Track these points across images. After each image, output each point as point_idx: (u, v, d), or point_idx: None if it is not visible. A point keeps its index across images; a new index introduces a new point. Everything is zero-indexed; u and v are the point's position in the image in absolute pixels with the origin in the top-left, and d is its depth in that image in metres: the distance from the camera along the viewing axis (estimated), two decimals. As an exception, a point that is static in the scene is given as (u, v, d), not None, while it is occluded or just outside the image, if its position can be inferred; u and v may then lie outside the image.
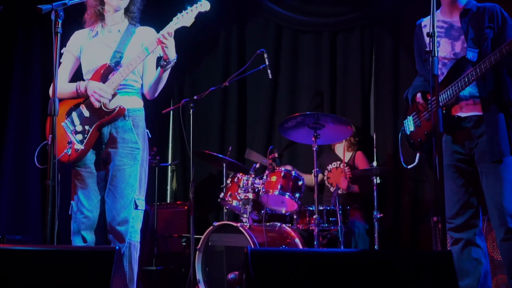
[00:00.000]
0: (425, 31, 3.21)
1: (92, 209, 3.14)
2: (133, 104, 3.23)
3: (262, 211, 4.59)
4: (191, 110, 4.64)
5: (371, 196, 4.71)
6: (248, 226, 4.32)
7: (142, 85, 3.31)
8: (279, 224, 4.57)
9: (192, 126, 4.57)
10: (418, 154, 3.24)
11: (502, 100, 2.96)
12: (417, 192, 5.25)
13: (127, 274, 3.04)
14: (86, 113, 3.15)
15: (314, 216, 4.32)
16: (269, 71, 4.82)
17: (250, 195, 4.56)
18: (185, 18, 3.17)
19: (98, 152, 3.18)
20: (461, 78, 2.94)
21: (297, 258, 2.10)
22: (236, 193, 4.65)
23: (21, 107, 5.58)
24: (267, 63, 4.79)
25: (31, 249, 2.19)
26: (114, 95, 3.14)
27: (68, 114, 3.18)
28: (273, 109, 5.93)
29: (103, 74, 3.15)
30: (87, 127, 3.13)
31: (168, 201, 6.30)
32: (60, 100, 3.01)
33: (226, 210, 5.13)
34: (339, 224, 4.43)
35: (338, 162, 5.22)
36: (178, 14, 3.18)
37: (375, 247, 4.58)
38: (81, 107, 3.17)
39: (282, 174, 4.56)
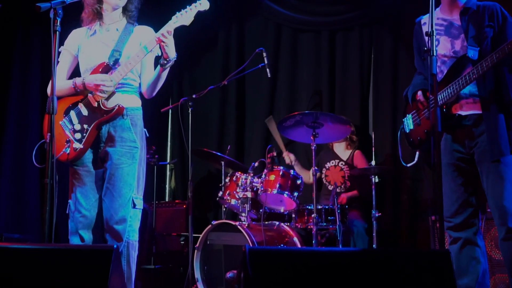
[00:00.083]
0: (424, 28, 3.20)
1: (89, 208, 3.13)
2: (132, 103, 3.23)
3: (261, 210, 4.59)
4: (189, 109, 4.64)
5: (369, 195, 4.71)
6: (246, 225, 4.33)
7: (140, 84, 3.31)
8: (277, 223, 4.57)
9: (190, 125, 4.57)
10: (417, 153, 3.23)
11: (502, 99, 2.96)
12: (415, 191, 5.26)
13: (125, 273, 3.04)
14: (85, 112, 3.15)
15: (313, 215, 4.32)
16: (268, 70, 4.82)
17: (249, 194, 4.56)
18: (185, 17, 3.17)
19: (96, 151, 3.17)
20: (462, 76, 2.94)
21: (295, 257, 2.10)
22: (234, 192, 4.65)
23: (20, 106, 5.58)
24: (266, 62, 4.80)
25: (29, 248, 2.19)
26: (112, 94, 3.14)
27: (66, 112, 3.17)
28: (272, 108, 5.93)
29: (101, 73, 3.14)
30: (85, 126, 3.13)
31: (167, 200, 6.29)
32: (59, 98, 3.01)
33: (224, 209, 5.13)
34: (338, 223, 4.43)
35: (337, 161, 5.22)
36: (177, 12, 3.18)
37: (374, 246, 4.58)
38: (79, 105, 3.17)
39: (281, 173, 4.56)
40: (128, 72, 3.15)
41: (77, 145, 3.11)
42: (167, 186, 6.41)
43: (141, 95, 3.33)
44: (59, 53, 3.21)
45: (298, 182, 4.60)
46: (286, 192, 4.51)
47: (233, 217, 5.29)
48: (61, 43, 3.26)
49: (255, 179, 4.63)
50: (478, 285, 2.99)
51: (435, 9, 3.11)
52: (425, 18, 3.25)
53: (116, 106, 3.12)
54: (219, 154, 5.05)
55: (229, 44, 6.11)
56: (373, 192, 4.65)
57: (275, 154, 4.76)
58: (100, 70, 3.15)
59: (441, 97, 3.01)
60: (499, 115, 2.94)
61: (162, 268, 5.30)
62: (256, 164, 4.79)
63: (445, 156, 3.07)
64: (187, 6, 3.20)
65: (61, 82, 3.21)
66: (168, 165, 6.35)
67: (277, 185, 4.51)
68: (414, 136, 3.24)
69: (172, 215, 5.53)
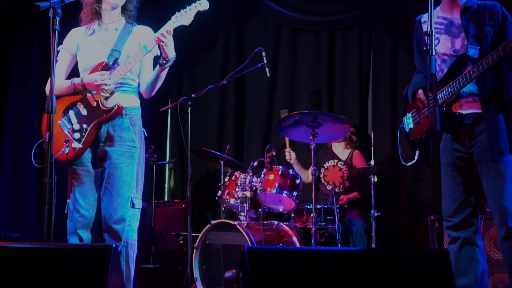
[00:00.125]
0: (424, 27, 3.21)
1: (88, 207, 3.13)
2: (131, 102, 3.23)
3: (260, 209, 4.59)
4: (189, 108, 4.64)
5: (368, 195, 4.71)
6: (245, 224, 4.33)
7: (139, 84, 3.31)
8: (276, 222, 4.57)
9: (190, 124, 4.57)
10: (417, 152, 3.23)
11: (502, 99, 2.96)
12: (415, 190, 5.26)
13: (124, 273, 3.04)
14: (84, 111, 3.15)
15: (312, 215, 4.32)
16: (267, 69, 4.82)
17: (248, 193, 4.56)
18: (184, 17, 3.17)
19: (95, 150, 3.17)
20: (462, 75, 2.94)
21: (294, 257, 2.10)
22: (233, 191, 4.65)
23: (20, 105, 5.57)
24: (265, 61, 4.79)
25: (27, 247, 2.19)
26: (112, 93, 3.14)
27: (65, 112, 3.17)
28: (271, 107, 5.92)
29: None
30: (84, 126, 3.12)
31: (166, 199, 6.29)
32: (57, 97, 3.00)
33: (224, 208, 5.13)
34: (337, 222, 4.43)
35: (336, 161, 5.22)
36: (177, 12, 3.18)
37: (373, 245, 4.58)
38: (78, 105, 3.16)
39: (280, 172, 4.56)
40: (127, 72, 3.14)
41: (76, 145, 3.11)
42: (166, 185, 6.41)
43: (140, 95, 3.33)
44: (57, 52, 3.21)
45: (297, 181, 4.60)
46: (285, 192, 4.51)
47: (232, 217, 5.29)
48: (60, 42, 3.26)
49: (254, 179, 4.63)
50: (477, 284, 2.99)
51: (435, 8, 3.11)
52: (425, 17, 3.24)
53: (115, 105, 3.12)
54: (218, 153, 5.05)
55: (229, 43, 6.11)
56: (372, 192, 4.65)
57: (274, 153, 4.75)
58: (99, 69, 3.15)
59: (441, 96, 3.01)
60: (499, 115, 2.94)
61: (161, 267, 5.30)
62: (255, 163, 4.79)
63: (444, 155, 3.07)
64: (187, 6, 3.20)
65: (59, 81, 3.20)
66: (167, 165, 6.35)
67: (276, 185, 4.51)
68: (414, 135, 3.24)
69: (171, 214, 5.53)
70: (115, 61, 3.16)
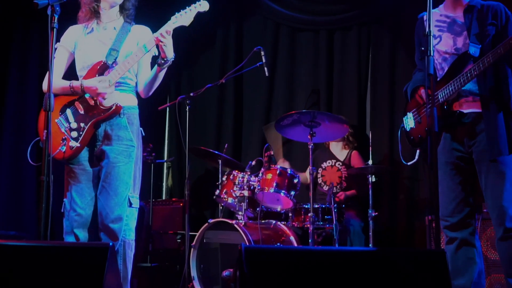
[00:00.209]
0: (426, 25, 3.20)
1: (85, 206, 3.12)
2: (129, 101, 3.22)
3: (257, 209, 4.59)
4: (187, 107, 4.64)
5: (366, 195, 4.71)
6: (243, 224, 4.32)
7: (136, 83, 3.30)
8: (274, 221, 4.57)
9: (188, 123, 4.57)
10: (418, 151, 3.23)
11: (501, 98, 2.96)
12: (412, 190, 5.26)
13: (121, 272, 3.03)
14: (81, 110, 3.14)
15: (309, 214, 4.32)
16: (265, 68, 4.82)
17: (246, 193, 4.56)
18: (184, 18, 3.17)
19: (92, 149, 3.17)
20: (463, 73, 2.93)
21: (291, 256, 2.10)
22: (231, 190, 4.65)
23: (18, 103, 5.57)
24: (264, 60, 4.79)
25: (23, 245, 2.19)
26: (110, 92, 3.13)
27: (62, 111, 3.16)
28: (269, 106, 5.93)
29: (99, 71, 3.13)
30: (82, 125, 3.12)
31: (164, 198, 6.29)
32: (54, 96, 2.99)
33: (221, 207, 5.13)
34: (334, 222, 4.43)
35: (334, 161, 5.22)
36: (177, 13, 3.17)
37: (370, 245, 4.58)
38: (75, 104, 3.16)
39: (278, 171, 4.57)
40: (126, 72, 3.14)
41: (74, 144, 3.10)
42: (164, 184, 6.41)
43: (137, 94, 3.32)
44: (55, 49, 3.20)
45: (295, 181, 4.60)
46: (283, 191, 4.51)
47: (230, 216, 5.29)
48: (58, 40, 3.24)
49: (252, 178, 4.63)
50: (474, 285, 2.99)
51: (437, 6, 3.12)
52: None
53: (113, 105, 3.11)
54: (216, 152, 5.05)
55: (228, 42, 6.11)
56: (370, 192, 4.65)
57: (272, 152, 4.75)
58: (98, 68, 3.14)
59: (443, 94, 3.01)
60: (499, 115, 2.94)
61: (159, 266, 5.29)
62: (253, 162, 4.79)
63: (443, 154, 3.07)
64: (187, 7, 3.19)
65: (56, 79, 3.17)
66: (165, 163, 6.34)
67: (274, 184, 4.51)
68: (415, 134, 3.24)
69: (169, 213, 5.53)
70: (114, 60, 3.16)
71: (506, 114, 2.96)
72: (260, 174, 4.60)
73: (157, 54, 3.20)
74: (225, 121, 6.06)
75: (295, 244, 4.41)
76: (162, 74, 3.22)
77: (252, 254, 2.02)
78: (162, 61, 3.14)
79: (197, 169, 5.97)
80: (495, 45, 2.90)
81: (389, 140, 5.30)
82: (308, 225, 4.35)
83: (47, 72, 2.83)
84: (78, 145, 3.10)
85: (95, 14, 3.24)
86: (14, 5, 5.37)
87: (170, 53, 3.12)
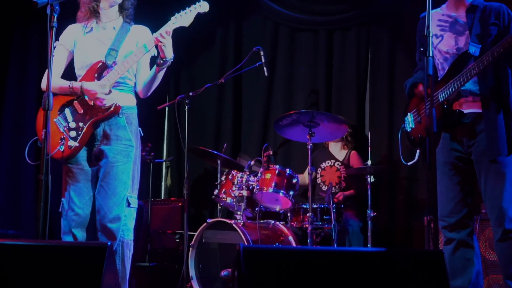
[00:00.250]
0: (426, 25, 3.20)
1: (83, 206, 3.11)
2: (128, 101, 3.22)
3: (256, 209, 4.59)
4: (186, 107, 4.64)
5: (365, 195, 4.71)
6: (242, 223, 4.32)
7: (135, 83, 3.30)
8: (272, 221, 4.57)
9: (187, 123, 4.58)
10: (418, 151, 3.23)
11: (502, 98, 2.96)
12: (411, 191, 5.26)
13: (119, 272, 3.03)
14: (80, 110, 3.13)
15: (308, 214, 4.32)
16: (265, 68, 4.82)
17: (244, 192, 4.56)
18: (184, 18, 3.16)
19: (90, 149, 3.16)
20: (463, 72, 2.93)
21: (289, 256, 2.10)
22: (230, 190, 4.65)
23: (17, 102, 5.57)
24: (263, 60, 4.80)
25: (21, 244, 2.18)
26: (109, 93, 3.13)
27: (61, 110, 3.15)
28: (268, 106, 5.93)
29: (98, 71, 3.13)
30: (81, 124, 3.11)
31: (163, 197, 6.29)
32: (53, 95, 2.98)
33: (220, 207, 5.13)
34: (333, 222, 4.43)
35: (333, 161, 5.22)
36: (177, 13, 3.17)
37: (369, 245, 4.58)
38: (74, 103, 3.15)
39: (277, 171, 4.57)
40: (125, 71, 3.13)
41: (72, 143, 3.10)
42: (163, 183, 6.41)
43: (136, 94, 3.32)
44: (54, 47, 3.19)
45: (294, 181, 4.60)
46: (282, 191, 4.51)
47: (228, 216, 5.29)
48: (57, 38, 3.24)
49: (251, 178, 4.63)
50: (472, 286, 2.99)
51: (440, 6, 3.11)
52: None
53: (113, 105, 3.11)
54: (215, 152, 5.05)
55: (227, 42, 6.11)
56: (369, 192, 4.65)
57: (271, 152, 4.75)
58: (97, 67, 3.14)
59: (443, 94, 3.01)
60: (499, 115, 2.94)
61: (157, 265, 5.29)
62: (252, 162, 4.79)
63: (442, 154, 3.07)
64: (187, 8, 3.19)
65: (55, 78, 3.17)
66: (164, 163, 6.35)
67: (273, 184, 4.51)
68: (415, 134, 3.24)
69: (168, 212, 5.53)
70: (112, 60, 3.15)
71: (506, 115, 2.96)
72: (259, 174, 4.60)
73: (156, 54, 3.20)
74: (224, 120, 6.06)
75: (294, 244, 4.41)
76: (161, 75, 3.22)
77: (250, 254, 2.02)
78: (161, 62, 3.14)
79: (196, 169, 5.97)
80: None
81: (388, 140, 5.30)
82: (307, 225, 4.35)
83: (46, 71, 2.82)
84: (77, 144, 3.10)
85: (95, 13, 3.23)
86: (14, 5, 5.37)
87: (169, 54, 3.12)
